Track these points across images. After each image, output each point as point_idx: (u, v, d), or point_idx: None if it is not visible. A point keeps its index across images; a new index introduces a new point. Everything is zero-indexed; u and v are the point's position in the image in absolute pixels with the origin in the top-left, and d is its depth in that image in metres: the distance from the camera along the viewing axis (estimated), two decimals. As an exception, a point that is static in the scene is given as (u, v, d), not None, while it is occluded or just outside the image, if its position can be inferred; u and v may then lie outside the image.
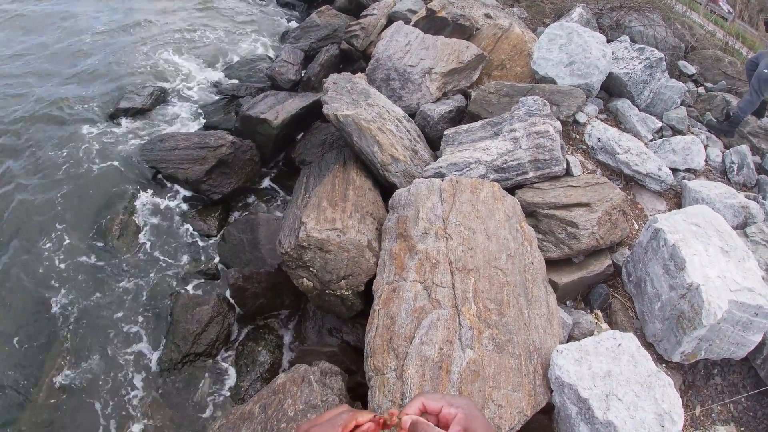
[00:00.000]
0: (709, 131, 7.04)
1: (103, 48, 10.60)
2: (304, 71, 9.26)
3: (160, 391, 4.84)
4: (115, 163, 7.37)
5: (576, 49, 6.79)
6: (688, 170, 6.11)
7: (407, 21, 8.86)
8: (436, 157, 5.84)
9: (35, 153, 7.39)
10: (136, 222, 6.47)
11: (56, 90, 8.90)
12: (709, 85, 8.20)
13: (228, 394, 4.91)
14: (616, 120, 6.87)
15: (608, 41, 7.58)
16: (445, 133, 5.93)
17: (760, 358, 4.21)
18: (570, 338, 4.15)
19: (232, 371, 5.04)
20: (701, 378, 4.32)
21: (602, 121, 6.57)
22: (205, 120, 8.38)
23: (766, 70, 6.35)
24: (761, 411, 4.21)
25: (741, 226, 5.32)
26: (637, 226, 5.33)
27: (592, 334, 4.12)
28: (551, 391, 3.50)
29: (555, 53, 6.91)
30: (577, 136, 6.26)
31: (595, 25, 8.70)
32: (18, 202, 6.52)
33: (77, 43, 10.69)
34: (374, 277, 4.29)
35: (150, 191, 7.01)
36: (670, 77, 7.40)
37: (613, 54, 7.14)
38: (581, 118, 6.39)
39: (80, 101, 8.66)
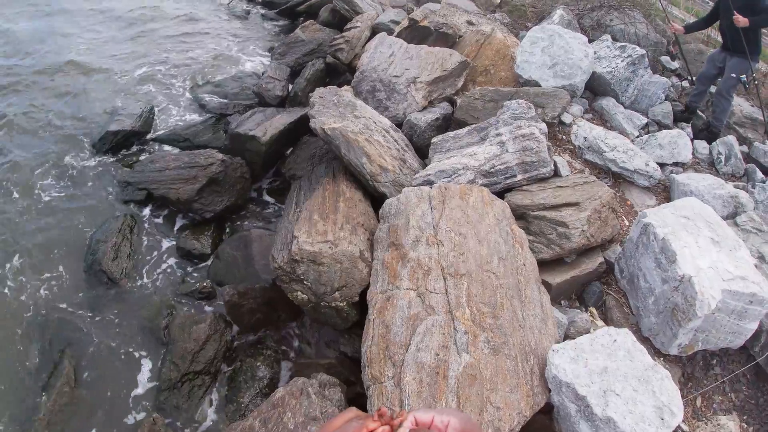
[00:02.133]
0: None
1: (89, 68, 10.64)
2: (290, 86, 9.31)
3: (160, 411, 4.82)
4: (107, 185, 7.39)
5: (558, 51, 6.87)
6: (675, 164, 6.15)
7: (390, 32, 8.93)
8: (424, 166, 5.87)
9: (25, 177, 7.39)
10: (130, 244, 6.44)
11: (44, 112, 8.93)
12: (692, 78, 8.28)
13: (228, 410, 4.89)
14: (601, 119, 6.93)
15: (590, 41, 7.66)
16: (432, 141, 5.98)
17: (758, 345, 4.24)
18: (566, 337, 4.16)
19: (231, 388, 5.03)
20: (700, 369, 4.34)
21: (588, 120, 6.63)
22: (194, 139, 8.39)
23: (734, 75, 6.43)
24: (763, 398, 4.23)
25: (731, 216, 5.35)
26: (627, 223, 5.36)
27: (588, 332, 4.14)
28: (549, 390, 3.52)
29: (538, 56, 6.98)
30: (564, 137, 6.32)
31: (576, 26, 8.79)
32: (9, 227, 6.52)
33: (63, 63, 10.72)
34: (368, 287, 4.30)
35: (143, 212, 7.01)
36: (653, 73, 7.46)
37: (595, 53, 7.22)
38: (567, 118, 6.44)
39: (69, 124, 8.69)
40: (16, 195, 7.11)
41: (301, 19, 13.01)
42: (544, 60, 6.92)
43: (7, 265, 6.07)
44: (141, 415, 4.85)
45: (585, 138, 6.03)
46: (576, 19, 9.03)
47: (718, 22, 6.92)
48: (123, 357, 5.34)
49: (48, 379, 4.96)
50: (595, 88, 7.34)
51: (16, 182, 7.29)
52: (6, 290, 5.82)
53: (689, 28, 7.42)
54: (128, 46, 12.15)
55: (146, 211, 7.07)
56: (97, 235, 6.40)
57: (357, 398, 4.23)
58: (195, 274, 6.30)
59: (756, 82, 6.93)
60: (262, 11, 15.06)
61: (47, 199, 7.09)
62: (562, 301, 4.71)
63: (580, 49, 6.85)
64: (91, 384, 5.05)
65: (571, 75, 6.77)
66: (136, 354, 5.38)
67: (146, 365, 5.28)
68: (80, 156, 7.98)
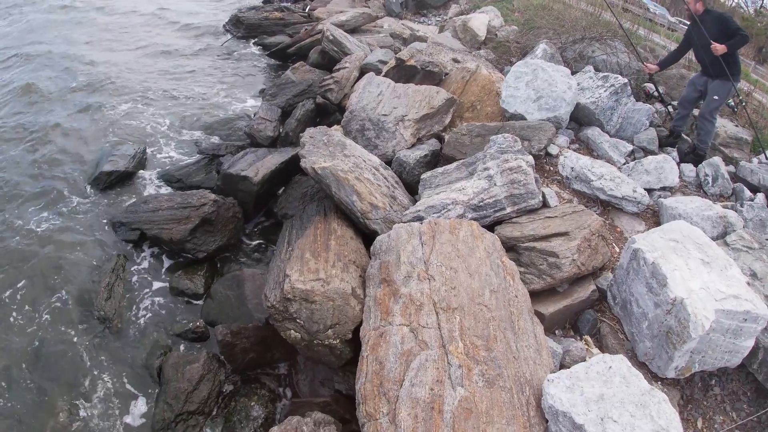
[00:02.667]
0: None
1: (82, 110, 10.78)
2: (281, 127, 9.44)
3: (155, 453, 4.76)
4: (101, 225, 7.43)
5: (542, 84, 7.01)
6: (663, 188, 6.23)
7: (378, 72, 9.12)
8: (414, 202, 5.92)
9: (18, 217, 7.44)
10: (124, 284, 6.46)
11: (37, 154, 9.01)
12: (675, 103, 8.43)
13: (223, 451, 4.84)
14: (588, 148, 7.03)
15: (573, 73, 7.83)
16: (421, 177, 6.06)
17: (756, 363, 4.23)
18: (562, 367, 4.15)
19: (226, 428, 4.96)
20: (699, 391, 4.33)
21: (574, 150, 6.73)
22: (187, 180, 8.46)
23: (716, 97, 6.56)
24: (765, 415, 4.20)
25: (721, 236, 5.40)
26: (618, 249, 5.40)
27: (583, 360, 4.12)
28: (546, 421, 3.49)
29: (522, 90, 7.12)
30: (551, 168, 6.40)
31: (559, 59, 8.98)
32: (3, 268, 6.51)
33: (54, 105, 10.87)
34: (361, 324, 4.30)
35: (136, 253, 7.03)
36: (637, 100, 7.61)
37: (578, 85, 7.37)
38: (553, 150, 6.54)
39: (62, 165, 8.77)
40: (8, 229, 7.17)
41: (292, 60, 13.25)
42: (528, 94, 7.06)
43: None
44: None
45: (572, 168, 6.10)
46: (559, 52, 9.22)
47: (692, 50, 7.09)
48: (116, 396, 5.29)
49: (39, 419, 4.90)
50: (580, 118, 7.47)
51: (8, 217, 7.35)
52: (-1, 326, 5.81)
53: (663, 64, 7.56)
54: (122, 83, 12.37)
55: (140, 251, 7.09)
56: (91, 275, 6.43)
57: (353, 437, 4.19)
58: (188, 314, 6.28)
59: (744, 104, 7.07)
60: (254, 51, 15.39)
61: (40, 236, 7.12)
62: (557, 331, 4.70)
63: (564, 82, 6.99)
64: (83, 423, 4.99)
65: (555, 107, 6.90)
66: (130, 394, 5.34)
67: (140, 405, 5.24)
68: (75, 196, 8.05)
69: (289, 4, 19.01)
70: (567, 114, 7.04)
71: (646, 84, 8.17)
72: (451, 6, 16.21)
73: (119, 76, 12.81)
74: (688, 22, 7.11)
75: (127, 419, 5.09)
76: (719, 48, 6.22)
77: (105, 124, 10.25)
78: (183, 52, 15.13)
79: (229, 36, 16.40)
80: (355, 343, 4.43)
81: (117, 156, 8.74)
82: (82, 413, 5.07)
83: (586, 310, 4.79)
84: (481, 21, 12.15)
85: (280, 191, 7.83)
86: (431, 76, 8.42)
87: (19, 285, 6.32)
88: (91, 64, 13.39)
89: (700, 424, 4.12)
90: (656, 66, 7.48)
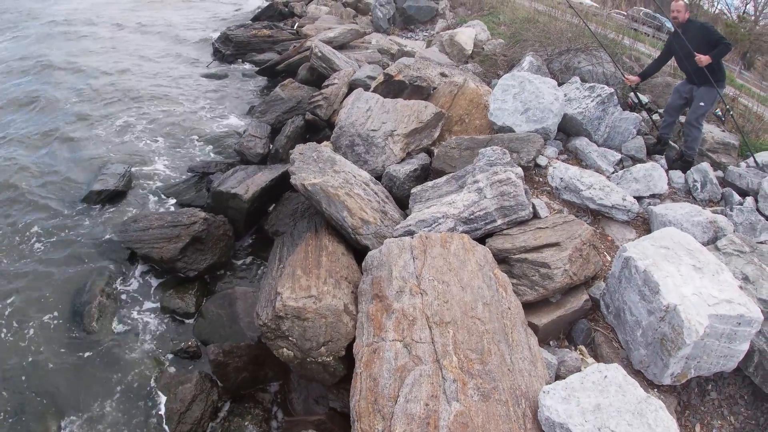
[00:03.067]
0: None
1: (70, 126, 10.78)
2: (271, 144, 9.44)
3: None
4: (91, 245, 7.39)
5: (529, 97, 7.05)
6: (652, 196, 6.26)
7: (367, 87, 9.15)
8: (405, 216, 5.92)
9: (8, 235, 7.41)
10: (114, 303, 6.41)
11: (28, 172, 9.01)
12: (662, 111, 8.49)
13: (217, 472, 4.78)
14: (576, 158, 7.06)
15: (560, 84, 7.87)
16: (411, 191, 6.06)
17: (752, 366, 4.24)
18: (557, 378, 4.12)
19: (220, 448, 4.91)
20: (696, 396, 4.32)
21: (563, 161, 6.76)
22: (177, 198, 8.44)
23: (702, 104, 6.62)
24: (763, 418, 4.21)
25: (712, 241, 5.41)
26: (609, 258, 5.40)
27: (579, 370, 4.11)
28: (543, 433, 3.46)
29: (510, 103, 7.16)
30: (541, 179, 6.42)
31: (546, 71, 9.05)
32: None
33: (46, 124, 10.86)
34: (354, 340, 4.27)
35: (127, 272, 6.99)
36: (624, 110, 7.66)
37: (565, 96, 7.41)
38: (542, 161, 6.56)
39: (52, 185, 8.74)
40: None
41: (281, 77, 13.28)
42: (516, 106, 7.10)
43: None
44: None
45: (561, 178, 6.13)
46: (545, 64, 9.29)
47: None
48: (107, 418, 5.21)
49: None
50: (568, 129, 7.51)
51: None
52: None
53: (644, 75, 7.61)
54: (111, 100, 12.42)
55: (130, 270, 7.04)
56: (82, 295, 6.37)
57: (349, 455, 4.13)
58: (180, 333, 6.23)
59: (731, 113, 7.13)
60: (246, 67, 15.47)
61: (30, 255, 7.10)
62: (551, 342, 4.69)
63: (551, 93, 7.04)
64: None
65: (543, 119, 6.94)
66: (121, 415, 5.26)
67: (131, 426, 5.15)
68: (64, 213, 8.04)
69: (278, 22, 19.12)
70: (555, 125, 7.08)
71: (629, 95, 8.24)
72: (438, 21, 16.33)
73: (108, 93, 12.87)
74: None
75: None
76: (703, 59, 6.28)
77: (95, 142, 10.25)
78: (172, 70, 15.21)
79: (214, 60, 16.51)
80: (348, 359, 4.40)
81: (107, 174, 8.73)
82: (70, 432, 5.00)
83: (580, 319, 4.79)
84: (468, 35, 12.24)
85: (271, 208, 7.81)
86: (419, 91, 8.46)
87: (8, 302, 6.28)
88: (78, 80, 13.46)
89: (698, 429, 4.11)
90: (637, 77, 7.54)
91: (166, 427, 4.91)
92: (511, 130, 7.03)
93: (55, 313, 6.25)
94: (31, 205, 8.15)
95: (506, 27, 13.56)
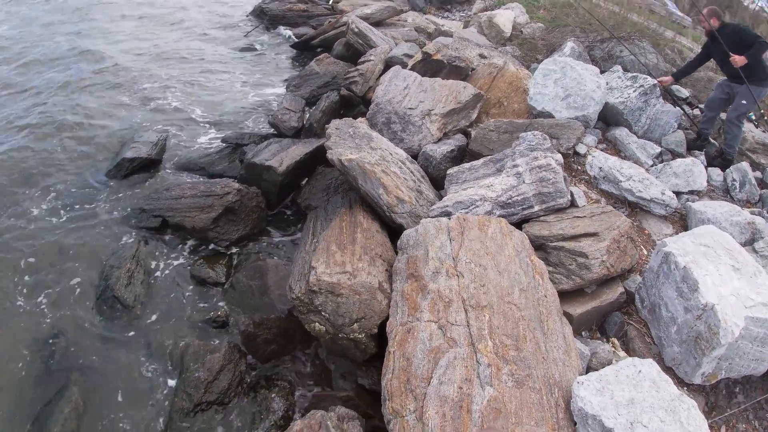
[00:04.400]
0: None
1: (103, 94, 10.85)
2: (306, 118, 9.41)
3: (172, 441, 4.76)
4: (122, 211, 7.44)
5: (571, 83, 6.92)
6: (691, 192, 6.15)
7: (404, 65, 9.07)
8: (440, 197, 5.89)
9: (38, 202, 7.48)
10: (144, 271, 6.42)
11: (59, 138, 9.07)
12: (702, 105, 8.32)
13: (243, 443, 4.83)
14: (615, 148, 6.95)
15: (601, 72, 7.72)
16: (448, 172, 6.01)
17: (781, 372, 4.17)
18: (588, 369, 4.11)
19: (245, 419, 4.95)
20: (723, 398, 4.28)
21: (602, 150, 6.65)
22: (210, 168, 8.48)
23: (744, 102, 6.47)
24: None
25: (749, 243, 5.32)
26: (646, 252, 5.33)
27: (610, 363, 4.08)
28: (575, 423, 3.45)
29: (550, 88, 7.04)
30: (579, 167, 6.33)
31: (587, 58, 8.89)
32: (22, 248, 6.57)
33: (77, 90, 10.94)
34: (387, 318, 4.28)
35: (157, 240, 7.02)
36: (665, 102, 7.51)
37: (607, 84, 7.27)
38: (581, 149, 6.47)
39: (84, 150, 8.82)
40: (30, 214, 7.22)
41: (316, 52, 13.21)
42: (557, 92, 6.98)
43: (19, 286, 6.11)
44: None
45: (600, 168, 6.04)
46: (586, 51, 9.13)
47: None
48: (134, 385, 5.27)
49: (54, 406, 4.88)
50: (608, 118, 7.38)
51: (30, 203, 7.40)
52: (14, 311, 5.82)
53: (678, 75, 7.48)
54: (146, 69, 12.45)
55: (160, 238, 7.08)
56: (111, 261, 6.42)
57: (376, 432, 4.18)
58: (209, 303, 6.25)
59: (765, 118, 6.97)
60: (282, 33, 15.45)
61: (61, 221, 7.16)
62: (583, 332, 4.65)
63: (593, 81, 6.91)
64: (99, 412, 4.98)
65: (584, 106, 6.82)
66: (148, 383, 5.31)
67: (158, 394, 5.21)
68: (96, 181, 8.09)
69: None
70: (595, 113, 6.95)
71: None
72: (475, 1, 16.06)
73: (143, 62, 12.89)
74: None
75: (144, 408, 5.06)
76: (738, 60, 6.21)
77: (127, 110, 10.30)
78: (207, 40, 15.19)
79: (253, 26, 16.41)
80: (380, 338, 4.42)
81: (139, 143, 8.73)
82: (96, 400, 5.06)
83: (614, 312, 4.74)
84: (506, 17, 12.05)
85: (304, 182, 7.79)
86: (458, 71, 8.35)
87: (38, 269, 6.35)
88: (114, 50, 13.49)
89: (723, 431, 4.07)
90: (670, 77, 7.38)
91: (192, 395, 4.96)
92: (550, 115, 6.92)
93: (84, 279, 6.30)
94: (62, 171, 8.20)
95: (545, 11, 13.30)
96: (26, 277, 6.24)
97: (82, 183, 8.02)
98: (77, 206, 7.50)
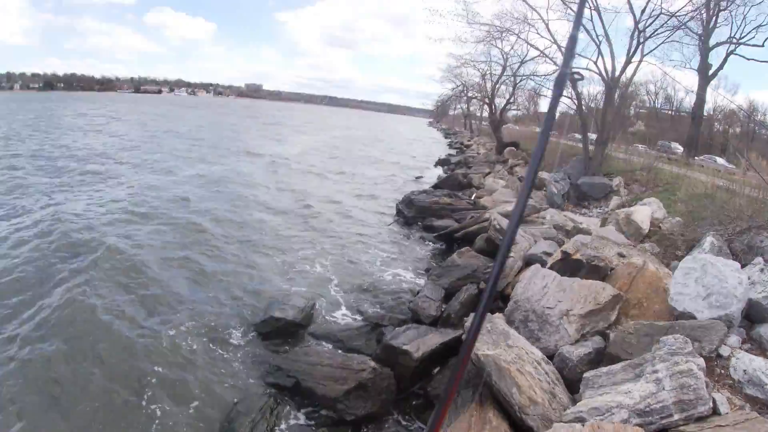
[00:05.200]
0: None
1: (262, 256, 12.66)
2: (444, 307, 9.85)
3: None
4: (260, 365, 8.13)
5: (712, 281, 6.81)
6: None
7: (543, 263, 9.40)
8: (574, 401, 5.81)
9: (181, 343, 8.46)
10: (267, 425, 6.75)
11: (214, 287, 10.60)
12: None
13: None
14: (760, 348, 6.50)
15: (742, 266, 7.49)
16: (584, 376, 5.96)
17: None
18: None
19: None
20: None
21: (746, 351, 6.28)
22: (348, 342, 9.03)
23: None
24: None
25: None
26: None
27: None
28: None
29: (691, 287, 6.95)
30: (722, 371, 6.01)
31: (727, 252, 8.69)
32: (162, 389, 7.34)
33: (227, 244, 12.95)
34: None
35: (286, 399, 7.42)
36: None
37: (749, 279, 7.03)
38: (724, 351, 6.18)
39: (235, 302, 10.08)
40: (175, 359, 8.13)
41: (457, 245, 14.08)
42: (698, 291, 6.86)
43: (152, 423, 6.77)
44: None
45: (744, 371, 5.70)
46: (726, 244, 8.95)
47: None
48: None
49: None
50: (752, 315, 6.98)
51: (177, 347, 8.40)
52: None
53: None
54: (296, 236, 14.43)
55: (290, 398, 7.47)
56: (240, 406, 6.92)
57: None
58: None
59: None
60: (421, 234, 16.71)
61: (202, 365, 7.97)
62: None
63: (734, 277, 6.73)
64: None
65: (726, 304, 6.60)
66: None
67: None
68: (240, 331, 9.16)
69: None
70: (738, 311, 6.66)
71: None
72: (612, 198, 16.43)
73: (297, 227, 14.98)
74: None
75: None
76: None
77: (281, 270, 11.74)
78: (358, 220, 17.19)
79: (396, 219, 18.16)
80: None
81: (287, 306, 9.68)
82: None
83: None
84: (644, 213, 12.21)
85: (436, 371, 8.00)
86: (596, 271, 8.49)
87: (170, 408, 7.01)
88: (264, 217, 16.04)
89: None
90: None
91: None
92: (692, 316, 6.75)
93: (211, 416, 6.88)
94: (212, 316, 9.46)
95: (683, 204, 13.27)
96: (160, 413, 6.94)
97: (229, 329, 9.17)
98: (218, 352, 8.43)
